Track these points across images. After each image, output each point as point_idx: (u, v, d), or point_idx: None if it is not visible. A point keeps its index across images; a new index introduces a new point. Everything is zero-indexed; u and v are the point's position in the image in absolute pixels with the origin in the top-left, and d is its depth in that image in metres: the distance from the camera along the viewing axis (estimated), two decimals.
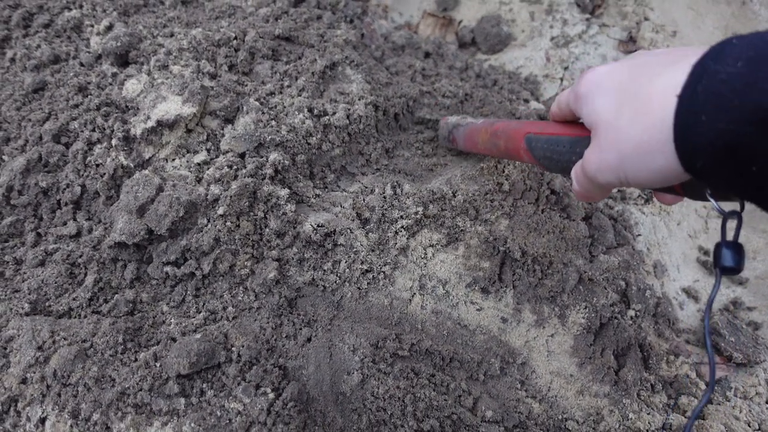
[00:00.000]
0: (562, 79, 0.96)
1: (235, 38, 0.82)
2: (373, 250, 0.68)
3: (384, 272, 0.67)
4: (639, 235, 0.83)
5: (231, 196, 0.64)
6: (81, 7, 0.86)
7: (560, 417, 0.68)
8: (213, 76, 0.79)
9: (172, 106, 0.69)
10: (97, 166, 0.70)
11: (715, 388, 0.72)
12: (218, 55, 0.81)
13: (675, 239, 0.86)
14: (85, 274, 0.64)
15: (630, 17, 1.01)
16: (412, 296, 0.68)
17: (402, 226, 0.69)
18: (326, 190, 0.75)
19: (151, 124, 0.68)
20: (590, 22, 1.01)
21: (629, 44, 0.99)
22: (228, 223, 0.64)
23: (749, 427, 0.68)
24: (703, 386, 0.72)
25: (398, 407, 0.61)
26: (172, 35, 0.84)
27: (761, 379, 0.73)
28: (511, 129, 0.60)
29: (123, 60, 0.80)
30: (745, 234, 0.88)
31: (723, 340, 0.75)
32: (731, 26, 1.07)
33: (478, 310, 0.70)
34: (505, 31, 1.00)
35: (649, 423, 0.67)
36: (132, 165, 0.69)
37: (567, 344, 0.71)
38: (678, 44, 1.02)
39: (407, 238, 0.69)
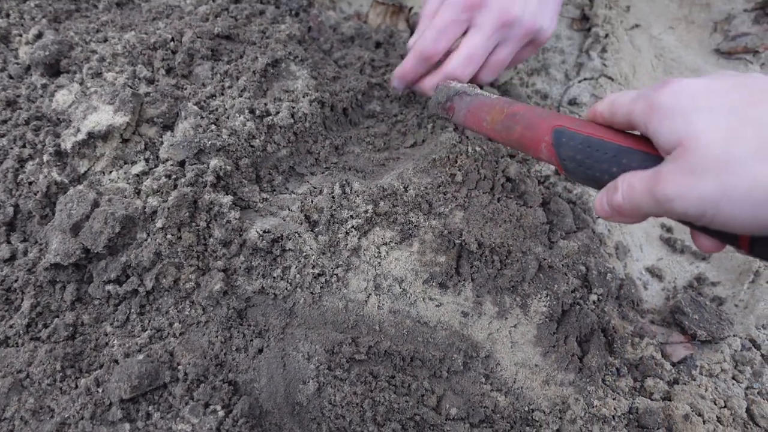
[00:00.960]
0: None
1: (173, 40, 0.79)
2: (323, 253, 0.66)
3: (337, 275, 0.65)
4: (598, 217, 0.81)
5: (169, 208, 0.61)
6: (8, 16, 0.82)
7: (526, 409, 0.67)
8: (150, 81, 0.75)
9: (104, 117, 0.66)
10: (30, 183, 0.66)
11: (681, 368, 0.71)
12: (155, 59, 0.77)
13: None
14: (22, 299, 0.61)
15: None
16: (368, 297, 0.66)
17: (352, 226, 0.67)
18: (274, 193, 0.72)
19: (81, 136, 0.65)
20: None
21: (582, 22, 0.97)
22: (169, 236, 0.61)
23: (715, 405, 0.67)
24: (668, 367, 0.71)
25: (357, 413, 0.59)
26: (105, 40, 0.80)
27: (726, 354, 0.72)
28: (536, 116, 0.53)
29: (54, 69, 0.77)
30: None
31: (687, 318, 0.74)
32: None
33: (437, 306, 0.68)
34: None
35: (614, 408, 0.66)
36: (66, 181, 0.66)
37: (530, 334, 0.69)
38: (632, 19, 1.00)
39: (359, 238, 0.67)
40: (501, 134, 0.58)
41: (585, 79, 0.92)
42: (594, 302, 0.73)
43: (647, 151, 0.45)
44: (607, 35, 0.94)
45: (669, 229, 0.86)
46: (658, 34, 0.99)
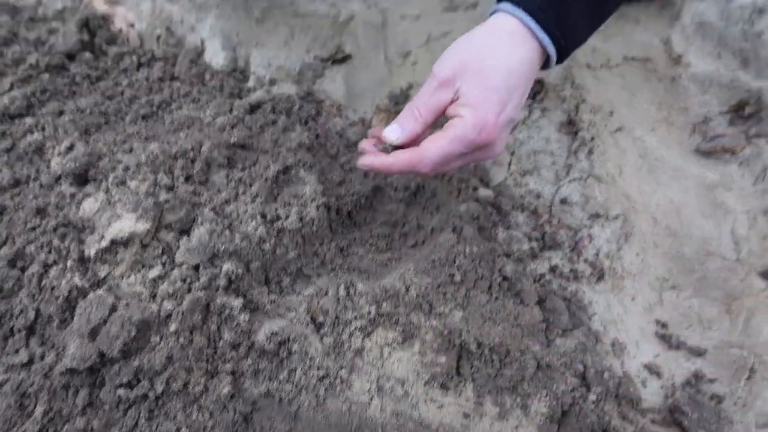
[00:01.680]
0: (509, 164, 1.01)
1: (192, 149, 0.86)
2: (328, 355, 0.68)
3: (341, 376, 0.68)
4: (594, 314, 0.84)
5: (183, 312, 0.65)
6: (43, 129, 0.90)
7: None
8: (170, 188, 0.81)
9: (127, 224, 0.71)
10: (52, 288, 0.70)
11: None
12: (175, 167, 0.84)
13: (631, 315, 0.87)
14: (35, 405, 0.63)
15: (569, 101, 1.08)
16: (371, 399, 0.68)
17: (356, 327, 0.70)
18: (282, 294, 0.76)
19: (105, 243, 0.70)
20: (531, 107, 1.07)
21: (569, 126, 1.05)
22: (181, 339, 0.64)
23: None
24: None
25: None
26: (131, 150, 0.87)
27: None
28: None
29: (82, 179, 0.83)
30: (698, 302, 0.90)
31: (686, 417, 0.75)
32: (664, 100, 1.14)
33: (438, 407, 0.70)
34: None
35: None
36: (87, 285, 0.70)
37: None
38: (615, 122, 1.08)
39: (362, 339, 0.70)
40: None
41: (574, 179, 0.98)
42: (593, 402, 0.74)
43: None
44: (592, 138, 1.01)
45: (664, 325, 0.88)
46: (641, 136, 1.06)
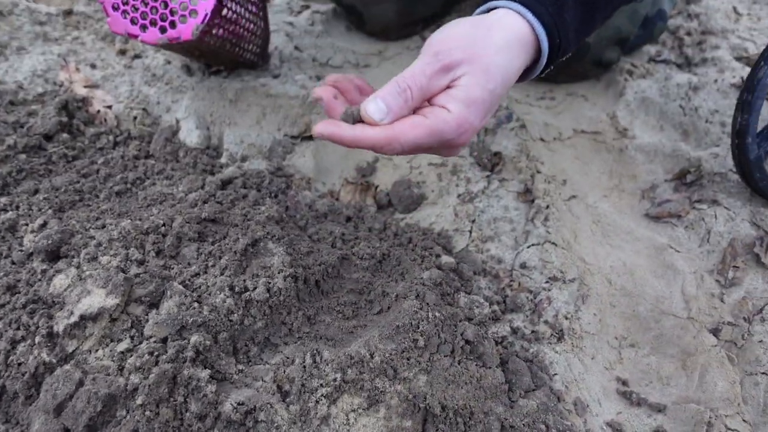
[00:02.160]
0: (470, 231, 1.06)
1: (164, 225, 0.89)
2: (294, 423, 0.69)
3: None
4: (555, 374, 0.87)
5: (150, 385, 0.66)
6: (17, 208, 0.92)
7: None
8: (141, 263, 0.84)
9: (96, 300, 0.73)
10: (19, 364, 0.71)
11: None
12: (147, 242, 0.87)
13: (591, 374, 0.90)
14: None
15: (525, 171, 1.15)
16: None
17: (322, 395, 0.71)
18: (249, 364, 0.77)
19: (74, 319, 0.71)
20: (490, 178, 1.13)
21: (526, 194, 1.12)
22: (147, 413, 0.65)
23: None
24: None
25: None
26: (104, 227, 0.90)
27: None
28: None
29: (54, 255, 0.85)
30: (655, 359, 0.94)
31: None
32: (614, 169, 1.23)
33: None
34: (416, 192, 1.11)
35: None
36: (54, 361, 0.71)
37: None
38: (569, 190, 1.15)
39: (328, 406, 0.71)
40: None
41: (532, 245, 1.03)
42: None
43: None
44: (548, 206, 1.07)
45: (625, 383, 0.91)
46: (594, 203, 1.13)
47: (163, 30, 0.99)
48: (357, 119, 0.61)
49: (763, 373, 0.90)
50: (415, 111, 0.62)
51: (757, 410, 0.88)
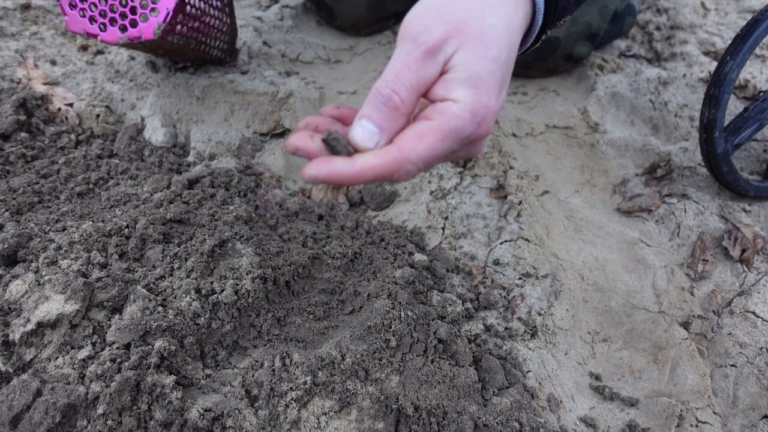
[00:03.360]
0: (443, 228, 1.05)
1: (127, 226, 0.86)
2: (263, 428, 0.68)
3: None
4: (529, 371, 0.87)
5: (111, 394, 0.63)
6: None
7: None
8: (103, 266, 0.81)
9: (54, 306, 0.70)
10: None
11: None
12: (109, 245, 0.84)
13: (565, 369, 0.90)
14: None
15: (497, 167, 1.14)
16: None
17: (292, 398, 0.70)
18: (218, 368, 0.75)
19: (31, 326, 0.68)
20: (463, 174, 1.13)
21: (499, 191, 1.11)
22: (109, 422, 0.63)
23: None
24: None
25: None
26: (64, 229, 0.87)
27: None
28: None
29: (11, 260, 0.82)
30: (628, 353, 0.94)
31: None
32: (586, 164, 1.23)
33: None
34: (388, 189, 1.10)
35: None
36: (11, 370, 0.68)
37: None
38: (541, 186, 1.15)
39: (298, 410, 0.70)
40: None
41: (505, 241, 1.03)
42: None
43: None
44: (520, 202, 1.07)
45: (598, 378, 0.91)
46: (566, 198, 1.13)
47: (123, 29, 0.96)
48: (347, 144, 0.49)
49: (732, 366, 0.91)
50: (415, 117, 0.50)
51: (726, 402, 0.89)
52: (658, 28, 1.46)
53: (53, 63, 1.22)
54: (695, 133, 1.22)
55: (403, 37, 0.49)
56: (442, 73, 0.49)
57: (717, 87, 0.96)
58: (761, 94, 1.08)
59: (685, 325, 0.96)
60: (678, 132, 1.24)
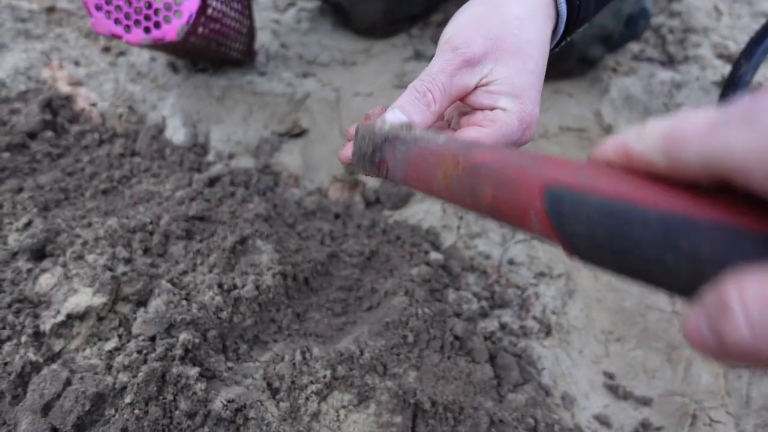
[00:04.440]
0: (458, 228, 1.06)
1: (151, 223, 0.89)
2: (284, 420, 0.69)
3: None
4: (543, 369, 0.88)
5: (138, 384, 0.65)
6: (1, 207, 0.91)
7: None
8: (128, 261, 0.83)
9: (83, 299, 0.73)
10: (5, 364, 0.70)
11: None
12: (134, 241, 0.86)
13: (579, 368, 0.91)
14: None
15: None
16: None
17: (312, 391, 0.71)
18: (239, 361, 0.77)
19: (61, 318, 0.71)
20: None
21: None
22: (136, 411, 0.65)
23: None
24: None
25: None
26: (89, 225, 0.89)
27: None
28: (512, 166, 0.31)
29: (40, 254, 0.84)
30: (641, 352, 0.95)
31: None
32: None
33: None
34: (404, 189, 1.11)
35: None
36: (41, 360, 0.70)
37: None
38: None
39: (318, 403, 0.71)
40: (464, 199, 0.37)
41: (519, 240, 1.04)
42: None
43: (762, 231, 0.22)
44: None
45: (612, 376, 0.92)
46: None
47: (147, 30, 0.98)
48: None
49: (745, 366, 0.91)
50: (449, 125, 0.54)
51: (740, 402, 0.90)
52: (671, 31, 1.47)
53: (77, 64, 1.25)
54: None
55: (443, 46, 0.52)
56: (482, 84, 0.52)
57: (731, 90, 0.97)
58: None
59: None
60: None
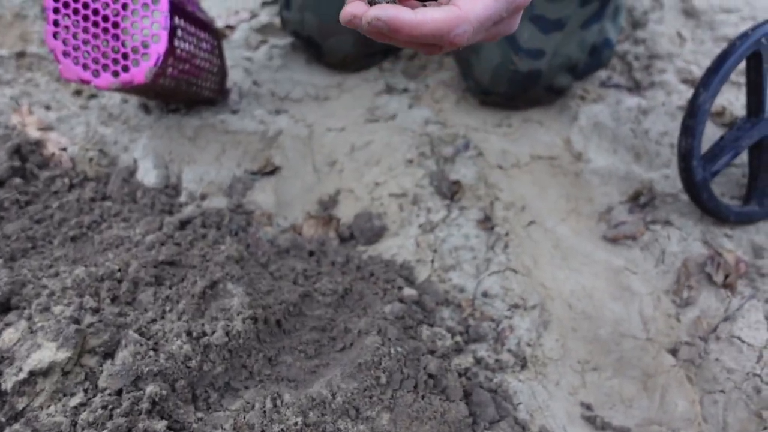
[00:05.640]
0: (432, 261, 1.07)
1: (119, 270, 0.88)
2: None
3: None
4: (520, 403, 0.88)
5: None
6: None
7: None
8: (95, 311, 0.82)
9: (47, 354, 0.71)
10: None
11: None
12: (101, 289, 0.85)
13: (556, 400, 0.91)
14: None
15: (484, 198, 1.17)
16: None
17: None
18: (209, 411, 0.76)
19: (23, 375, 0.69)
20: (450, 206, 1.15)
21: (486, 222, 1.13)
22: None
23: None
24: None
25: None
26: (57, 275, 0.88)
27: None
28: None
29: (4, 307, 0.83)
30: (618, 381, 0.95)
31: None
32: (571, 193, 1.25)
33: None
34: (378, 224, 1.12)
35: None
36: (4, 420, 0.68)
37: None
38: (528, 216, 1.17)
39: None
40: None
41: (493, 272, 1.04)
42: None
43: None
44: (507, 233, 1.09)
45: (589, 407, 0.92)
46: (552, 227, 1.16)
47: (115, 74, 0.99)
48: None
49: (720, 391, 0.92)
50: None
51: (717, 428, 0.90)
52: (636, 58, 1.50)
53: (48, 108, 1.24)
54: (676, 160, 1.25)
55: None
56: None
57: (692, 118, 0.99)
58: (737, 121, 1.11)
59: (673, 352, 0.97)
60: (659, 159, 1.27)
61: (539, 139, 1.34)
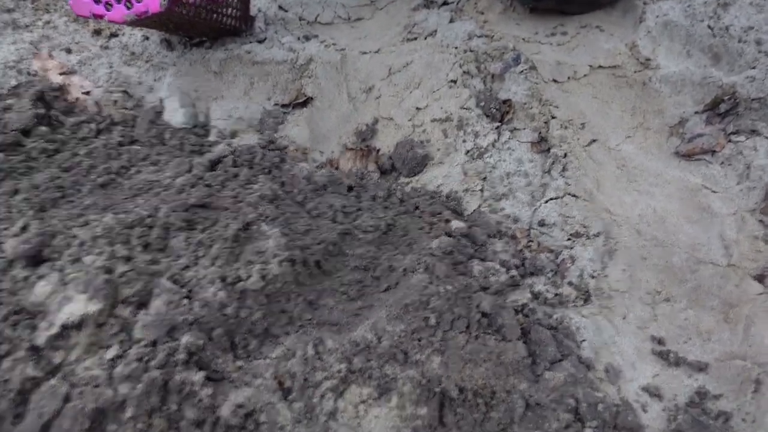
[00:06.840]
0: (482, 190, 0.97)
1: (149, 216, 0.83)
2: (299, 422, 0.64)
3: None
4: (583, 340, 0.80)
5: (139, 396, 0.61)
6: None
7: None
8: (128, 259, 0.78)
9: (77, 307, 0.68)
10: (5, 381, 0.67)
11: None
12: (132, 237, 0.81)
13: (624, 335, 0.83)
14: None
15: (538, 118, 1.05)
16: None
17: (327, 388, 0.66)
18: (249, 359, 0.72)
19: (55, 330, 0.67)
20: (500, 129, 1.04)
21: (541, 144, 1.02)
22: (139, 425, 0.61)
23: None
24: None
25: None
26: (86, 224, 0.85)
27: None
28: None
29: (36, 260, 0.80)
30: (694, 313, 0.86)
31: None
32: (638, 106, 1.11)
33: None
34: (420, 153, 1.03)
35: None
36: (41, 374, 0.67)
37: None
38: (588, 134, 1.05)
39: (334, 400, 0.66)
40: None
41: (551, 199, 0.94)
42: None
43: None
44: (566, 154, 0.98)
45: (661, 341, 0.84)
46: (617, 146, 1.03)
47: (129, 5, 0.91)
48: None
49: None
50: None
51: None
52: None
53: (68, 51, 1.19)
54: (764, 58, 1.07)
55: None
56: None
57: None
58: None
59: (760, 279, 0.86)
60: (743, 59, 1.09)
61: (599, 47, 1.18)
